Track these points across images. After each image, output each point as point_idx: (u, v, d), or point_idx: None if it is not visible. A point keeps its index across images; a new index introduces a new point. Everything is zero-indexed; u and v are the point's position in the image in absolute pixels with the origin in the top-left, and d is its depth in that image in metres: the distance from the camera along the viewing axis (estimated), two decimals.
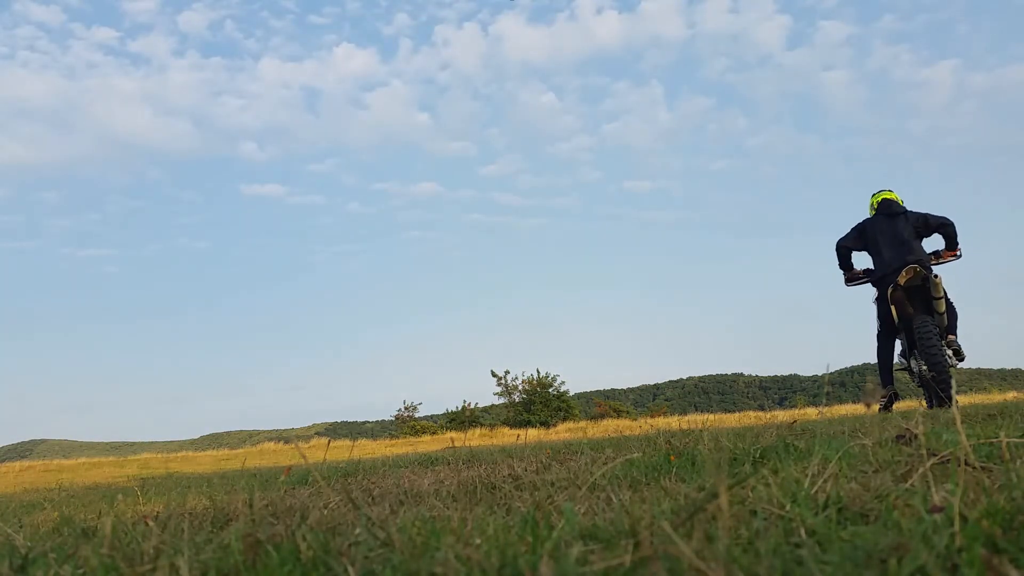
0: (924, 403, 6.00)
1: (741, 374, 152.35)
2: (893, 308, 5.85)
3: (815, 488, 1.38)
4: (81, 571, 1.25)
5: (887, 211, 6.13)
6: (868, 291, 6.58)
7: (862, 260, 6.63)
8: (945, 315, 5.77)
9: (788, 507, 1.21)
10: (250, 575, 1.12)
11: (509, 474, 2.70)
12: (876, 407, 5.61)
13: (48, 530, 2.58)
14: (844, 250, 6.42)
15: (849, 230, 6.41)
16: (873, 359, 6.30)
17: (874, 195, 6.46)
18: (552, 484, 2.26)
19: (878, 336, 6.20)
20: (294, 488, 3.38)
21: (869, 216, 6.36)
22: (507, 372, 32.80)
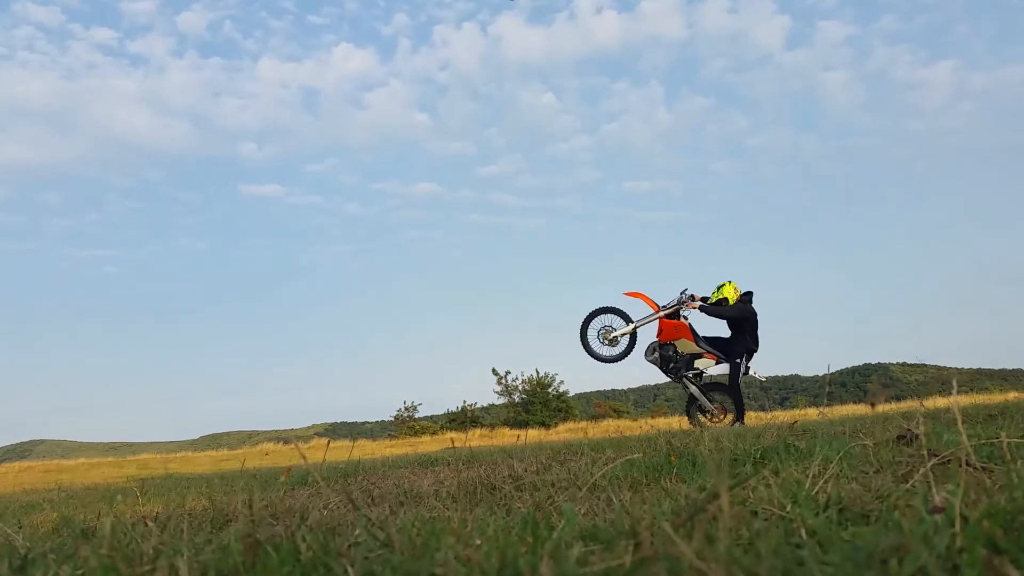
0: (696, 420, 8.28)
1: None
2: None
3: (816, 489, 1.38)
4: (81, 571, 1.25)
5: (751, 300, 8.23)
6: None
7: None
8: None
9: (789, 508, 1.21)
10: None
11: (509, 475, 2.70)
12: (879, 406, 6.32)
13: (48, 530, 2.59)
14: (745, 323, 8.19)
15: (740, 309, 8.10)
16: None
17: (724, 285, 8.29)
18: (552, 485, 2.26)
19: (733, 382, 8.17)
20: (294, 489, 3.38)
21: (732, 302, 8.23)
22: (508, 372, 32.73)
